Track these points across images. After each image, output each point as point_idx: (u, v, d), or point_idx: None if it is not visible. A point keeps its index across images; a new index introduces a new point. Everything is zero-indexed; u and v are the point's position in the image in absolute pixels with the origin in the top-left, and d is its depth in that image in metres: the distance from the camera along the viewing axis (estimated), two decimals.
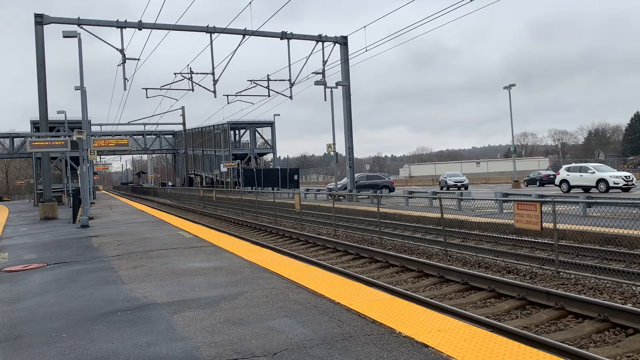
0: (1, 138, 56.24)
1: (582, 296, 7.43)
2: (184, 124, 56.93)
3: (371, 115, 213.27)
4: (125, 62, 25.87)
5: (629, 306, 6.83)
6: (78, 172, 28.78)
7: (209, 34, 27.19)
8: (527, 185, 46.27)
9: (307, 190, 38.75)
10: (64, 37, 20.28)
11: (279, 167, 54.71)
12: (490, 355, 3.99)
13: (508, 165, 76.54)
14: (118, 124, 54.12)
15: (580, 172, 29.57)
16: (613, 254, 10.07)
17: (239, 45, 27.54)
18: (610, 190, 27.22)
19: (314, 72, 30.23)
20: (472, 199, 16.80)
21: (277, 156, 64.16)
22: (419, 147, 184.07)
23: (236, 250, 10.51)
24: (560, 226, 9.71)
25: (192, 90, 30.48)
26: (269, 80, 32.25)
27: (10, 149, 55.94)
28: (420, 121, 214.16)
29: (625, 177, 28.08)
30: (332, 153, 33.72)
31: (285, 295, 6.30)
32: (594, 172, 28.72)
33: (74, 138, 19.59)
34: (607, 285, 8.33)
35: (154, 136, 70.78)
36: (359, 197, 28.24)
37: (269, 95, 32.63)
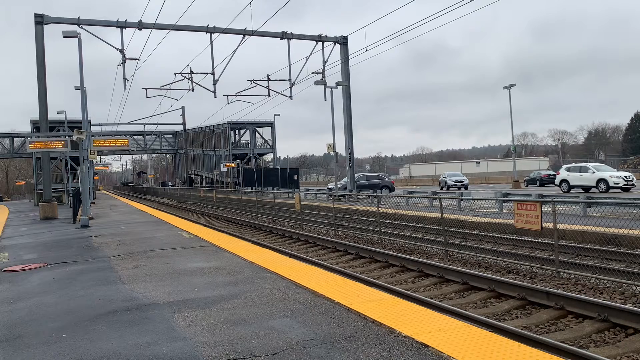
0: (1, 138, 56.27)
1: (582, 296, 7.43)
2: (184, 123, 56.97)
3: (371, 115, 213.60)
4: (125, 62, 25.90)
5: (629, 306, 6.83)
6: (78, 172, 28.76)
7: (209, 34, 27.22)
8: (527, 185, 46.27)
9: (307, 190, 38.75)
10: (64, 37, 20.31)
11: (279, 167, 54.70)
12: (490, 355, 3.99)
13: (508, 165, 76.54)
14: (118, 124, 54.22)
15: (580, 172, 29.57)
16: (613, 254, 10.07)
17: (239, 45, 27.61)
18: (610, 190, 27.22)
19: (314, 72, 30.26)
20: (472, 199, 16.79)
21: (277, 156, 64.20)
22: (419, 147, 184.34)
23: (236, 250, 10.51)
24: (560, 226, 9.72)
25: (192, 90, 30.51)
26: (269, 80, 32.27)
27: (10, 149, 55.96)
28: (420, 121, 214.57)
29: (625, 177, 28.08)
30: (332, 153, 33.70)
31: (286, 295, 6.29)
32: (594, 172, 28.72)
33: (74, 138, 19.59)
34: (607, 285, 8.33)
35: (154, 136, 70.77)
36: (359, 197, 28.23)
37: (269, 95, 32.69)
